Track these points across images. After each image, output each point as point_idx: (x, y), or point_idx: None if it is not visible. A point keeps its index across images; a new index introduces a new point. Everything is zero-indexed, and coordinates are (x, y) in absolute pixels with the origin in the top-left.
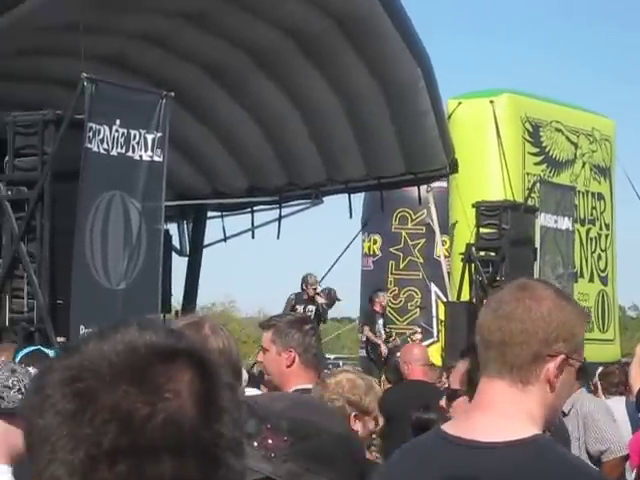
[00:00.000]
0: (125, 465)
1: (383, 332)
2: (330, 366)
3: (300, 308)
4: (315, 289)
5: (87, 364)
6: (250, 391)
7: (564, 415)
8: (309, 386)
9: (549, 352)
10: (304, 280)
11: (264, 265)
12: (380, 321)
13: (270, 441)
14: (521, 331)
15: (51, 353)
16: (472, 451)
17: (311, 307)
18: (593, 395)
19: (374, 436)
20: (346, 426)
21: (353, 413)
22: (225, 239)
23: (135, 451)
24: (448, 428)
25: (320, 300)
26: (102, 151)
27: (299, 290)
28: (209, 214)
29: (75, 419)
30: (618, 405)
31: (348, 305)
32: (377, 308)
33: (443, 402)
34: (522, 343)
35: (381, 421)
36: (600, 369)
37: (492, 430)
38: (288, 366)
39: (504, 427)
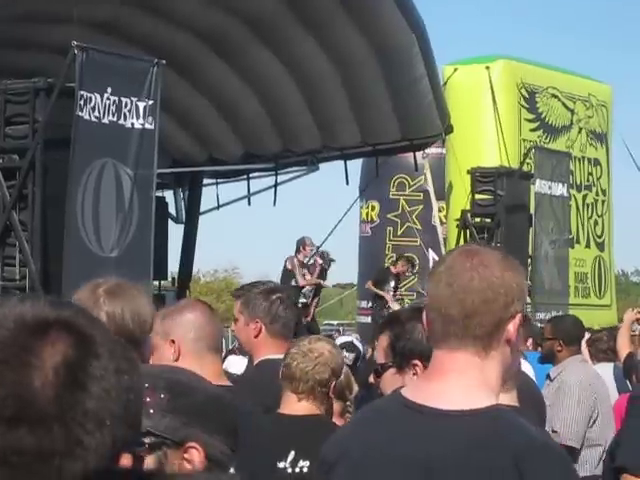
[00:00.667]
0: None
1: (391, 294)
2: (334, 332)
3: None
4: (311, 250)
5: None
6: (234, 359)
7: (550, 380)
8: (276, 356)
9: (508, 315)
10: (300, 243)
11: (265, 232)
12: (392, 283)
13: (148, 399)
14: (482, 301)
15: None
16: (432, 418)
17: (304, 270)
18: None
19: (348, 403)
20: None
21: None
22: (218, 207)
23: None
24: (408, 394)
25: (319, 262)
26: (93, 119)
27: (293, 254)
28: (205, 181)
29: None
30: (606, 371)
31: (346, 271)
32: (393, 270)
33: (371, 378)
34: (484, 313)
35: (355, 388)
36: (587, 335)
37: (452, 398)
38: (255, 336)
39: (465, 396)
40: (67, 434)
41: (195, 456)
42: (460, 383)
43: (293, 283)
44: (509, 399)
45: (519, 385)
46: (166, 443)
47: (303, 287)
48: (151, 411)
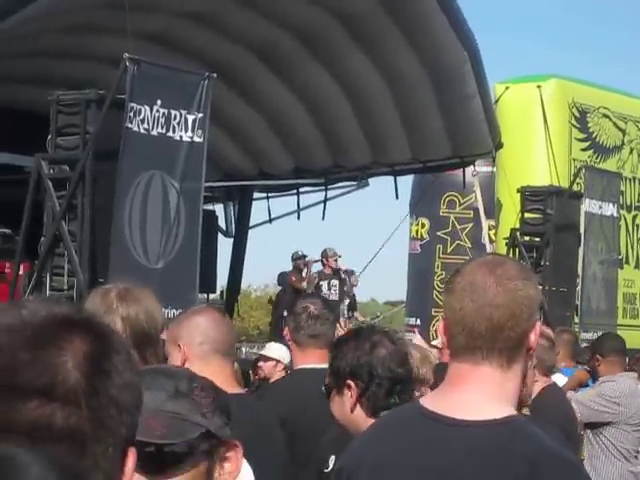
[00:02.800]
0: None
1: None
2: None
3: (324, 284)
4: (336, 260)
5: None
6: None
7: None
8: (308, 366)
9: (531, 324)
10: (323, 255)
11: (314, 247)
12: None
13: (202, 400)
14: (510, 316)
15: None
16: (448, 428)
17: (334, 282)
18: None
19: None
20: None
21: None
22: (270, 220)
23: (7, 390)
24: (427, 403)
25: (342, 273)
26: (142, 131)
27: (320, 267)
28: (256, 195)
29: None
30: None
31: (396, 289)
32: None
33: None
34: (511, 328)
35: None
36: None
37: (471, 408)
38: (288, 344)
39: (482, 407)
40: (93, 415)
41: (239, 453)
42: (479, 394)
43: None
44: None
45: (548, 400)
46: (218, 442)
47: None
48: (205, 410)
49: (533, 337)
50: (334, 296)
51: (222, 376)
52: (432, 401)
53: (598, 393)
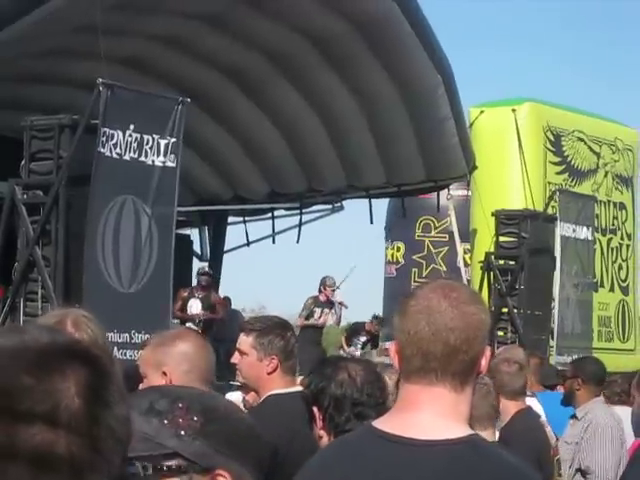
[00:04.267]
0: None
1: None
2: None
3: (318, 311)
4: (333, 291)
5: None
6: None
7: (576, 419)
8: (285, 390)
9: (482, 348)
10: (322, 282)
11: (291, 271)
12: (362, 338)
13: (181, 420)
14: (465, 340)
15: None
16: (410, 449)
17: (327, 310)
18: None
19: None
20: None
21: None
22: (248, 244)
23: (10, 413)
24: (380, 424)
25: (337, 300)
26: (115, 155)
27: (316, 293)
28: (233, 219)
29: None
30: (624, 414)
31: (371, 312)
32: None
33: None
34: (466, 351)
35: None
36: None
37: (429, 429)
38: (269, 373)
39: (439, 426)
40: (93, 444)
41: None
42: (434, 414)
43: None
44: (487, 435)
45: (518, 426)
46: (194, 468)
47: (319, 326)
48: (182, 433)
49: (484, 361)
50: (321, 321)
51: None
52: (386, 423)
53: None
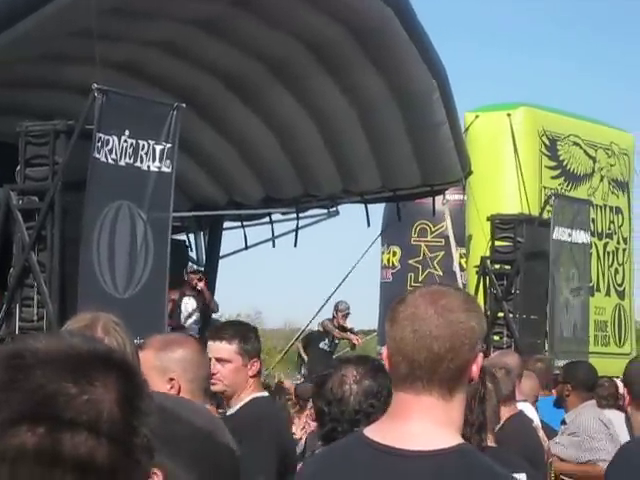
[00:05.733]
0: (44, 429)
1: None
2: None
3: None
4: (345, 317)
5: (30, 348)
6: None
7: (564, 424)
8: (265, 394)
9: (473, 356)
10: (335, 307)
11: (288, 277)
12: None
13: None
14: (450, 348)
15: None
16: (397, 459)
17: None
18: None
19: None
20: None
21: None
22: (246, 247)
23: (55, 420)
24: (370, 433)
25: (349, 327)
26: (110, 161)
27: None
28: (230, 224)
29: (6, 387)
30: (618, 418)
31: (368, 317)
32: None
33: None
34: (451, 359)
35: None
36: None
37: (419, 439)
38: (253, 375)
39: (429, 436)
40: (130, 454)
41: None
42: (424, 424)
43: (322, 346)
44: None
45: (510, 431)
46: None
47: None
48: None
49: (475, 368)
50: (332, 348)
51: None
52: (376, 432)
53: None
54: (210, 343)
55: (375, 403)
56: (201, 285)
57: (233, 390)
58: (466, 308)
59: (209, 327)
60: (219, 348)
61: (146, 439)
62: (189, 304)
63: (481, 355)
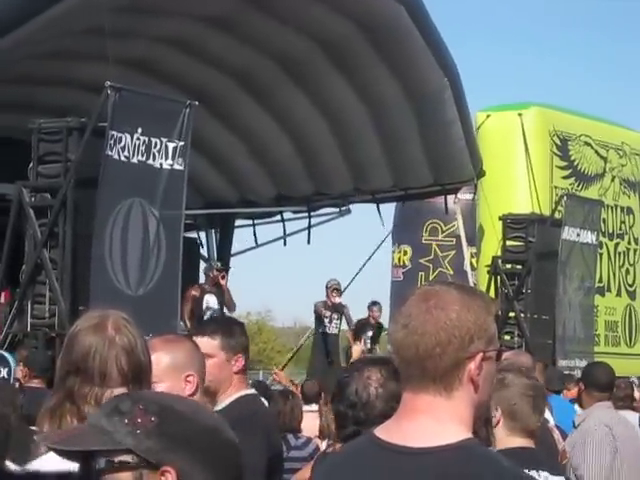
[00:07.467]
0: None
1: (368, 344)
2: None
3: (327, 315)
4: (334, 294)
5: None
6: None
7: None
8: (253, 391)
9: (467, 355)
10: (326, 286)
11: (298, 275)
12: (369, 333)
13: (139, 420)
14: (436, 344)
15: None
16: (403, 457)
17: (335, 315)
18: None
19: None
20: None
21: None
22: (257, 245)
23: None
24: (381, 433)
25: (337, 302)
26: (123, 159)
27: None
28: (241, 222)
29: None
30: (632, 418)
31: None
32: (371, 320)
33: None
34: (439, 355)
35: None
36: None
37: (425, 436)
38: (237, 372)
39: (434, 432)
40: None
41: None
42: (428, 421)
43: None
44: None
45: None
46: (144, 464)
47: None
48: (138, 432)
49: (473, 368)
50: (334, 329)
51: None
52: (386, 431)
53: None
54: (194, 338)
55: (396, 406)
56: (223, 282)
57: (216, 386)
58: (462, 305)
59: None
60: (202, 343)
61: None
62: (210, 301)
63: (480, 356)
